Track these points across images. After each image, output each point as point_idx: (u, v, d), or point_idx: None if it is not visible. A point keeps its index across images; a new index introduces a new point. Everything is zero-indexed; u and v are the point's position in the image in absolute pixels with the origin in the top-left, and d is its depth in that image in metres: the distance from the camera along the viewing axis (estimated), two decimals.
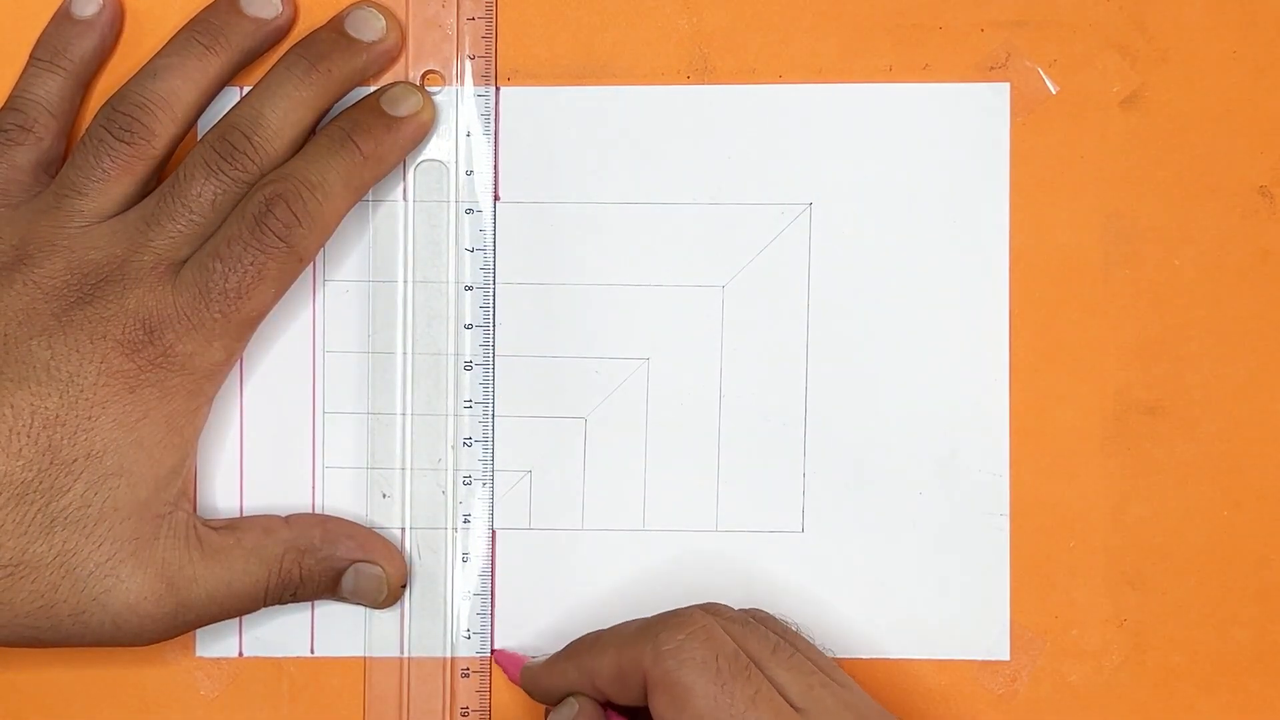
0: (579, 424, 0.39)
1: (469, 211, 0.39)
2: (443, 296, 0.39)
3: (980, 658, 0.39)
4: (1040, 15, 0.39)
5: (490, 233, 0.39)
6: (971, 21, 0.39)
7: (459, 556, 0.39)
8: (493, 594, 0.39)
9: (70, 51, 0.38)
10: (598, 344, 0.39)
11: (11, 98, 0.38)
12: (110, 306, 0.35)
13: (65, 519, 0.34)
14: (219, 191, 0.36)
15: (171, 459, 0.36)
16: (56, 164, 0.38)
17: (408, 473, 0.39)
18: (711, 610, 0.35)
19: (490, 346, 0.39)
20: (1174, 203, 0.39)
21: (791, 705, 0.33)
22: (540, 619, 0.39)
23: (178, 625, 0.36)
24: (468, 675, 0.39)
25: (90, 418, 0.35)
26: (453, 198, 0.39)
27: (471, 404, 0.39)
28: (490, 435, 0.39)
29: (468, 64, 0.39)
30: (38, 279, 0.35)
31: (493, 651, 0.38)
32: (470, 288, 0.39)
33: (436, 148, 0.39)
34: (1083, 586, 0.39)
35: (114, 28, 0.39)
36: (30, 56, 0.38)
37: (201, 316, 0.35)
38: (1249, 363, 0.39)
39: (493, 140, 0.39)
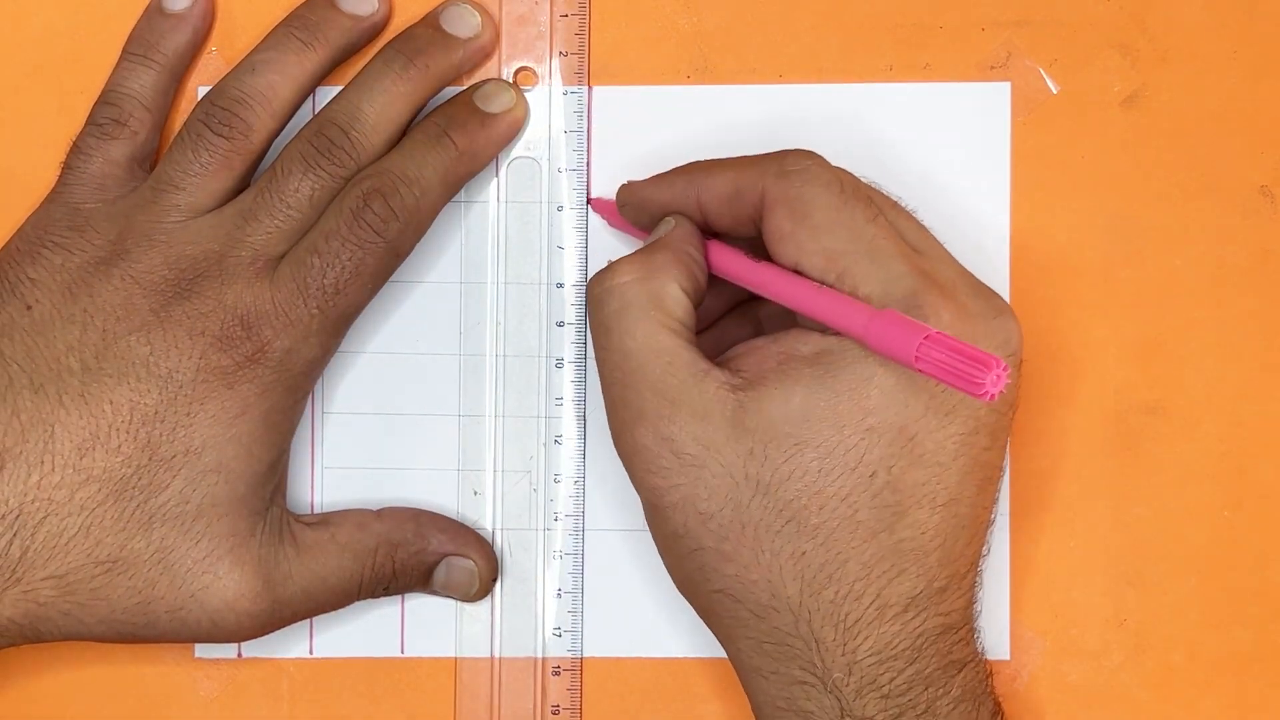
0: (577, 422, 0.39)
1: (560, 209, 0.39)
2: (534, 295, 0.39)
3: None
4: (1041, 15, 0.39)
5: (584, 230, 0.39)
6: (972, 21, 0.39)
7: (550, 554, 0.39)
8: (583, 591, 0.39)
9: (163, 45, 0.38)
10: None
11: (105, 92, 0.38)
12: (208, 303, 0.35)
13: (164, 515, 0.34)
14: (316, 187, 0.36)
15: (269, 455, 0.36)
16: (151, 158, 0.38)
17: (500, 474, 0.39)
18: None
19: (582, 344, 0.39)
20: (1174, 203, 0.39)
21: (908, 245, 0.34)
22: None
23: (274, 622, 0.36)
24: (558, 673, 0.39)
25: (189, 414, 0.34)
26: (544, 196, 0.39)
27: (562, 402, 0.39)
28: (582, 433, 0.39)
29: (559, 61, 0.39)
30: (135, 274, 0.35)
31: (589, 200, 0.38)
32: (561, 285, 0.39)
33: (527, 145, 0.39)
34: (1083, 586, 0.39)
35: (205, 21, 0.39)
36: (123, 50, 0.38)
37: (299, 313, 0.35)
38: (1249, 363, 0.39)
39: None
